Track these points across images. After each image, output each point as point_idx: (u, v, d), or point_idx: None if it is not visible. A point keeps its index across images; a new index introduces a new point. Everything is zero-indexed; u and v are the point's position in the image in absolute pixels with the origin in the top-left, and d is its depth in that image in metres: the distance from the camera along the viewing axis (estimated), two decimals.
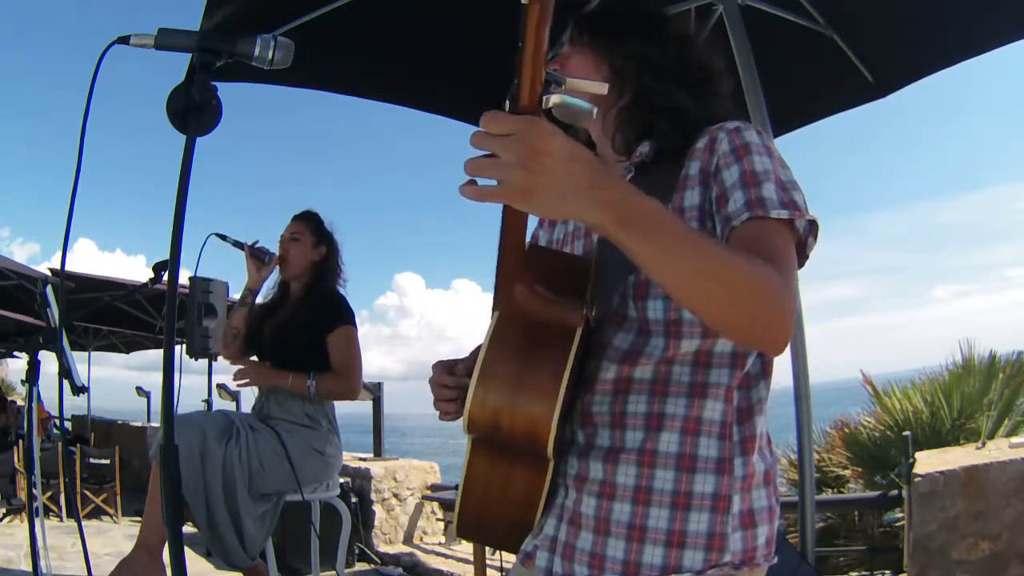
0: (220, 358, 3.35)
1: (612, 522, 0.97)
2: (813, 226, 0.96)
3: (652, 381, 1.00)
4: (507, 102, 0.82)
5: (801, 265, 0.97)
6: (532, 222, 1.03)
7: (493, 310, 0.96)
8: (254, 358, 2.92)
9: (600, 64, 1.12)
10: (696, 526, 0.95)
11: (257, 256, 2.87)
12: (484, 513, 1.00)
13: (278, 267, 2.91)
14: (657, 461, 0.97)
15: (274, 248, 2.93)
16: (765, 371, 1.04)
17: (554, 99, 0.81)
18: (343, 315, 2.83)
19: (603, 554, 0.97)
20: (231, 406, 4.13)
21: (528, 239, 0.95)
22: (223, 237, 2.91)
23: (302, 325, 2.78)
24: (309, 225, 2.95)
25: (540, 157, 0.72)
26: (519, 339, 0.92)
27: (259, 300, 2.99)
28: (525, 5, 0.73)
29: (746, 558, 0.96)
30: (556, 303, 0.94)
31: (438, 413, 1.16)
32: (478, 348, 1.21)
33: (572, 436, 1.04)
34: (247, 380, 2.82)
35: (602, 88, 0.84)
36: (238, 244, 2.90)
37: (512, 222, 0.88)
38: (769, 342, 0.88)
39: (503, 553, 2.99)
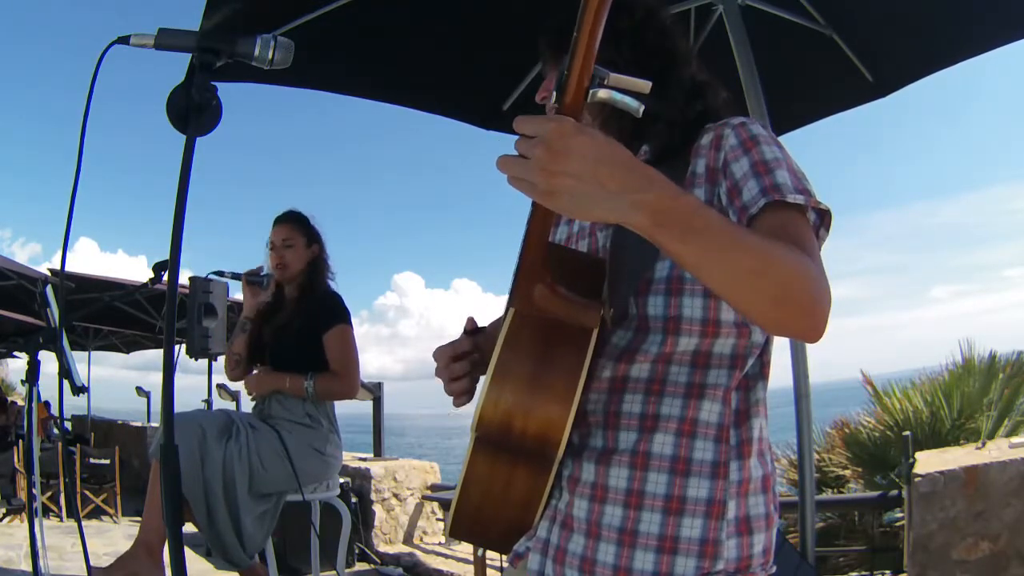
0: (220, 357, 3.35)
1: (603, 526, 0.95)
2: (825, 217, 0.95)
3: (648, 380, 0.98)
4: (554, 93, 0.81)
5: None
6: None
7: (508, 306, 0.95)
8: (266, 368, 2.91)
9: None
10: (689, 532, 0.93)
11: (254, 282, 2.89)
12: (481, 513, 0.99)
13: (275, 272, 2.91)
14: (650, 464, 0.95)
15: (261, 254, 2.95)
16: (763, 372, 1.02)
17: (601, 94, 0.79)
18: (338, 314, 2.84)
19: (594, 558, 0.95)
20: (231, 406, 4.13)
21: None
22: (220, 273, 3.00)
23: (299, 327, 2.80)
24: (299, 228, 2.94)
25: (561, 161, 0.71)
26: (535, 338, 0.90)
27: None
28: None
29: (741, 566, 0.94)
30: (573, 303, 0.92)
31: (451, 400, 1.12)
32: (476, 329, 1.19)
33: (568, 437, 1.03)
34: (252, 394, 2.85)
35: (645, 86, 0.82)
36: (235, 276, 2.95)
37: (538, 218, 0.87)
38: (810, 332, 0.85)
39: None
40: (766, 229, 0.89)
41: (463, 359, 1.11)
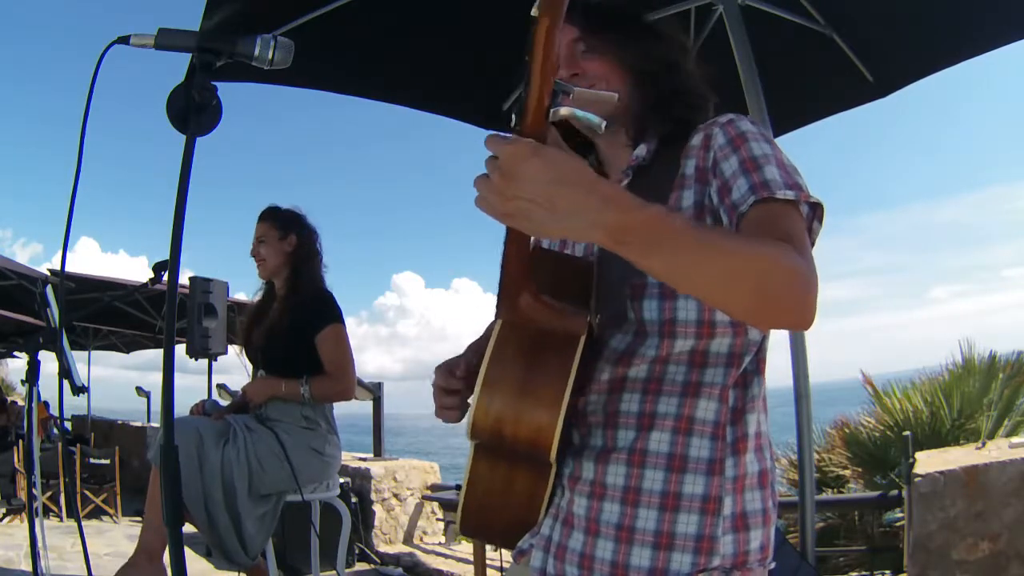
0: (220, 357, 3.35)
1: (601, 523, 0.96)
2: (817, 210, 0.94)
3: (646, 380, 0.99)
4: (513, 115, 0.81)
5: None
6: None
7: (496, 316, 0.96)
8: (261, 372, 2.88)
9: (617, 68, 1.07)
10: (685, 528, 0.94)
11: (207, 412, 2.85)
12: (486, 512, 1.00)
13: (257, 269, 2.89)
14: (647, 461, 0.96)
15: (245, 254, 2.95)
16: (759, 368, 1.03)
17: (563, 111, 0.79)
18: (329, 314, 2.78)
19: (592, 555, 0.96)
20: None
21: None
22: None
23: (289, 329, 2.74)
24: (271, 222, 2.89)
25: (513, 184, 0.71)
26: (523, 347, 0.91)
27: (248, 298, 3.02)
28: (535, 17, 0.72)
29: (737, 562, 0.95)
30: (560, 310, 0.93)
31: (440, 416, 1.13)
32: (475, 345, 1.20)
33: (568, 437, 1.03)
34: (251, 405, 2.78)
35: (611, 99, 0.82)
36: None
37: (513, 233, 0.87)
38: (796, 324, 0.85)
39: (503, 552, 2.98)
40: (756, 226, 0.89)
41: (455, 393, 1.11)
